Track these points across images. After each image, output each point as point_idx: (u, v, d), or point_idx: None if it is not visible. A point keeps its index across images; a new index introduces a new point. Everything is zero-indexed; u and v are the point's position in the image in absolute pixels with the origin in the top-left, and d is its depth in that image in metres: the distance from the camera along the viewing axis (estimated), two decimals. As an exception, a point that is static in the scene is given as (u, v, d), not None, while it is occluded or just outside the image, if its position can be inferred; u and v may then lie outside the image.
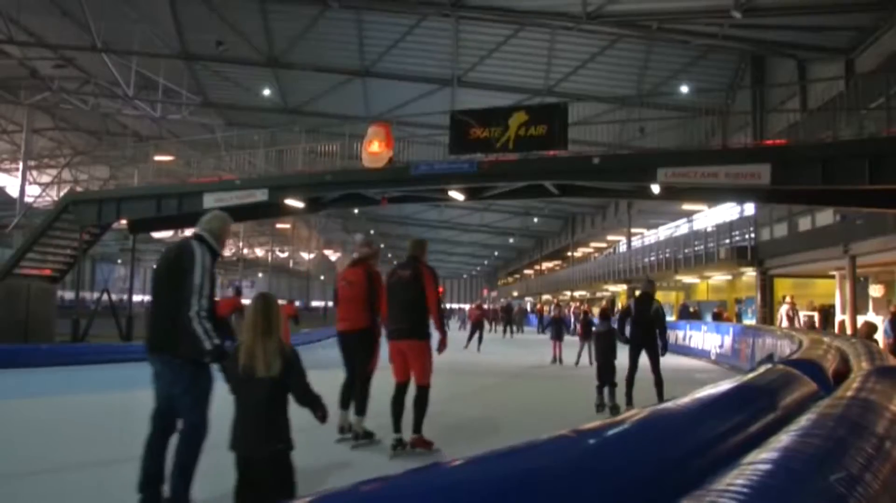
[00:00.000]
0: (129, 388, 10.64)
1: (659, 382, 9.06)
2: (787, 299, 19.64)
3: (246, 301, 8.26)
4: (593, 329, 10.37)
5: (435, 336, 6.28)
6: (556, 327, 17.36)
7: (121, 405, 8.98)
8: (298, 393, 3.56)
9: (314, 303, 69.43)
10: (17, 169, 29.56)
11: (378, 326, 6.65)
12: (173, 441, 4.20)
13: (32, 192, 35.93)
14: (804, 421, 1.99)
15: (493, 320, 36.95)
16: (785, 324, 17.69)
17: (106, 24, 21.64)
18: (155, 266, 4.59)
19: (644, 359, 9.13)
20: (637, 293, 9.94)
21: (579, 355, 15.49)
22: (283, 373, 3.45)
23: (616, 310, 11.84)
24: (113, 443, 6.53)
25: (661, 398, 8.41)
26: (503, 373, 14.82)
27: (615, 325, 9.80)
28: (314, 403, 3.60)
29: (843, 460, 1.57)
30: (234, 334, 4.35)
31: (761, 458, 1.50)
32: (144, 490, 4.05)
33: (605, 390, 9.15)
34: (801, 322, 18.62)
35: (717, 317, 24.07)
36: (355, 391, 6.59)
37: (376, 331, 6.67)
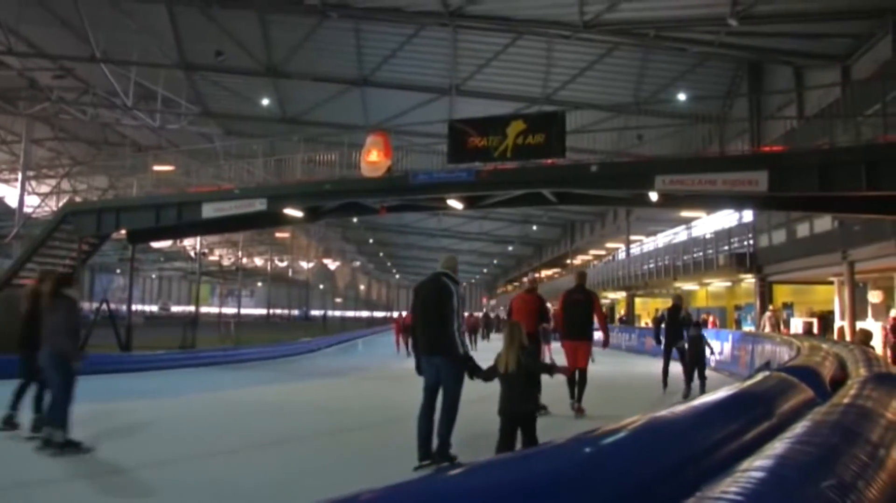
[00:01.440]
0: (129, 398, 10.67)
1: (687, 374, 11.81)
2: (770, 308, 19.80)
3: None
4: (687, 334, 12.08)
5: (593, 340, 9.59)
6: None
7: (120, 415, 8.98)
8: (535, 372, 6.02)
9: (314, 313, 69.21)
10: (16, 179, 29.58)
11: (539, 331, 8.98)
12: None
13: (31, 202, 35.95)
14: (799, 428, 2.00)
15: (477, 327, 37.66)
16: (767, 330, 17.93)
17: (105, 35, 21.70)
18: (416, 294, 6.48)
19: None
20: (669, 305, 12.82)
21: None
22: (520, 366, 5.48)
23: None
24: (113, 452, 6.53)
25: (688, 386, 11.41)
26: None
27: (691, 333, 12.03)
28: (549, 371, 6.01)
29: (836, 468, 1.58)
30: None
31: (755, 466, 1.51)
32: (423, 445, 5.94)
33: (694, 384, 11.38)
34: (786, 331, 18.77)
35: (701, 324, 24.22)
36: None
37: (538, 334, 8.97)
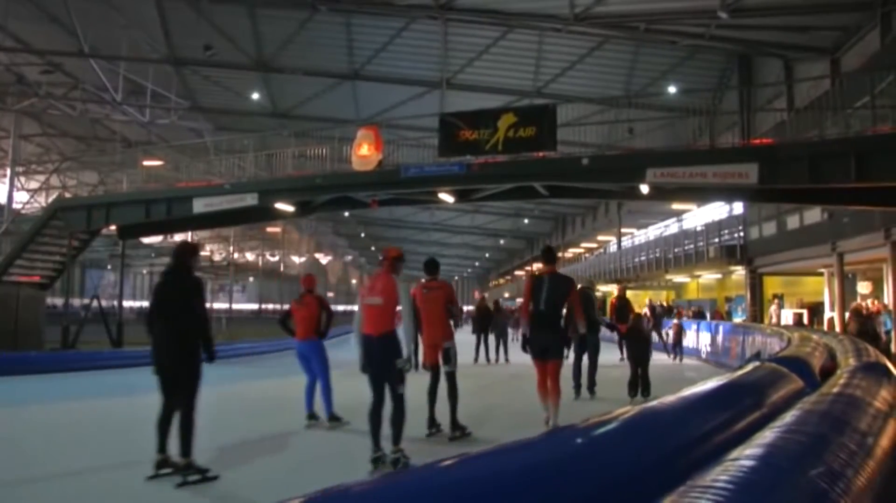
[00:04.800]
0: (121, 394, 10.64)
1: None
2: (776, 301, 19.93)
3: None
4: None
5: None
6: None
7: (114, 411, 8.96)
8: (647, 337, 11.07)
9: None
10: (5, 175, 29.39)
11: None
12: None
13: (21, 198, 35.73)
14: (789, 417, 2.01)
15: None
16: (774, 320, 18.08)
17: (93, 30, 21.55)
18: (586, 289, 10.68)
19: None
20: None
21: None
22: (638, 331, 10.65)
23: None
24: (107, 448, 6.53)
25: (673, 354, 17.49)
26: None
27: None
28: (648, 337, 11.10)
29: (825, 456, 1.60)
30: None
31: (745, 455, 1.53)
32: (577, 386, 10.12)
33: None
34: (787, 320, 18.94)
35: (668, 312, 24.98)
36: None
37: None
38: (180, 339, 5.41)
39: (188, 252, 5.78)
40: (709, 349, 17.97)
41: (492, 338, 17.47)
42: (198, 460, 5.33)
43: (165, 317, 5.50)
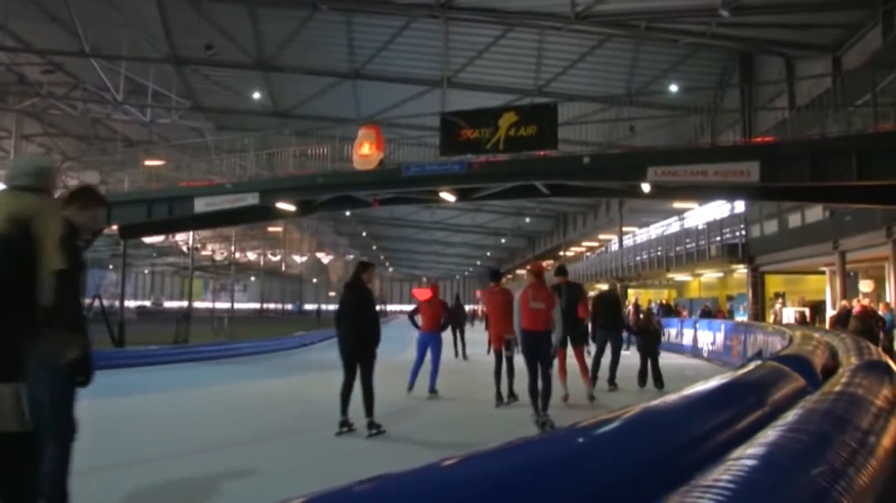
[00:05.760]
0: (122, 394, 10.64)
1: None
2: (779, 300, 19.96)
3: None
4: None
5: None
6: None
7: (115, 410, 8.95)
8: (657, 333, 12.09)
9: (307, 307, 69.09)
10: (7, 175, 29.38)
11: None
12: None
13: (22, 198, 35.67)
14: (791, 416, 2.01)
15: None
16: (778, 318, 18.11)
17: (94, 29, 21.57)
18: (601, 297, 11.60)
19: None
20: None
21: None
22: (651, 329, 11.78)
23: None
24: (108, 448, 6.52)
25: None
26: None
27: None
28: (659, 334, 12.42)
29: (827, 455, 1.59)
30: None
31: (747, 454, 1.52)
32: (595, 377, 10.13)
33: None
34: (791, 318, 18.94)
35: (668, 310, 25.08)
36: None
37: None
38: (361, 333, 7.20)
39: (360, 269, 7.69)
40: (710, 348, 17.96)
41: None
42: (189, 459, 5.47)
43: (348, 318, 7.29)
